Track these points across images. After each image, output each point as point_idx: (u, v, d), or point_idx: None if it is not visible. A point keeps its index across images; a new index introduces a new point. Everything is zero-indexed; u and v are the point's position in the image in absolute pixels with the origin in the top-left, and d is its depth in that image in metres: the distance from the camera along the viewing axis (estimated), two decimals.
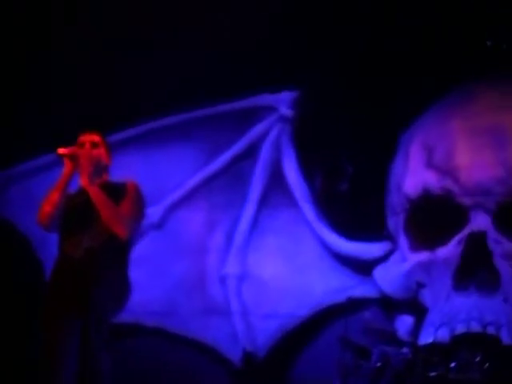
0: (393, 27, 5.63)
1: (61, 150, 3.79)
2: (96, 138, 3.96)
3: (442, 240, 5.38)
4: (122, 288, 3.85)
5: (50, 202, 3.76)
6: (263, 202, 5.90)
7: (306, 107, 5.87)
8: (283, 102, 5.89)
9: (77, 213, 3.79)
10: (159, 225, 5.88)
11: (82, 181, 3.80)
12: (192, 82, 5.75)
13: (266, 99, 5.92)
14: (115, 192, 3.84)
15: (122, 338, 5.59)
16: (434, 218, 5.45)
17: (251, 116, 5.95)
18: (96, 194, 3.73)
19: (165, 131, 5.95)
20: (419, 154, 5.59)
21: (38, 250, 5.83)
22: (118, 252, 3.81)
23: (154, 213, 5.79)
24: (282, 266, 5.76)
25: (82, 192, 3.85)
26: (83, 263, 3.67)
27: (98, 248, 3.71)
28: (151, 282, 5.74)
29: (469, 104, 5.54)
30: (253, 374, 5.71)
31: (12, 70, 5.81)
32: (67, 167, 3.80)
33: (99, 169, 3.88)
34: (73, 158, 3.78)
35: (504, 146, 5.26)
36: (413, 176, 5.55)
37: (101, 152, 3.92)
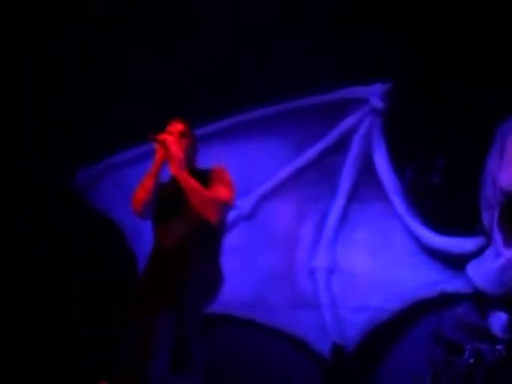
0: (493, 14, 5.49)
1: (152, 136, 3.84)
2: (183, 127, 4.00)
3: None
4: (214, 278, 3.88)
5: (143, 188, 3.82)
6: (353, 195, 5.87)
7: (397, 99, 5.79)
8: (374, 94, 5.83)
9: (168, 201, 3.85)
10: (249, 216, 5.91)
11: (171, 168, 3.85)
12: (282, 75, 5.76)
13: (356, 91, 5.87)
14: (204, 177, 3.88)
15: (212, 328, 5.67)
16: None
17: (342, 108, 5.91)
18: (185, 179, 3.77)
19: (254, 124, 5.97)
20: None
21: (131, 240, 5.94)
22: (209, 240, 3.85)
23: (244, 204, 5.83)
24: (372, 260, 5.71)
25: (173, 181, 3.90)
26: (175, 251, 3.71)
27: (190, 236, 3.75)
28: (241, 273, 5.79)
29: None
30: (342, 367, 5.68)
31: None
32: (159, 153, 3.85)
33: (187, 158, 3.92)
34: (164, 144, 3.83)
35: None
36: (509, 169, 5.42)
37: (188, 142, 3.96)
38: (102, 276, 5.90)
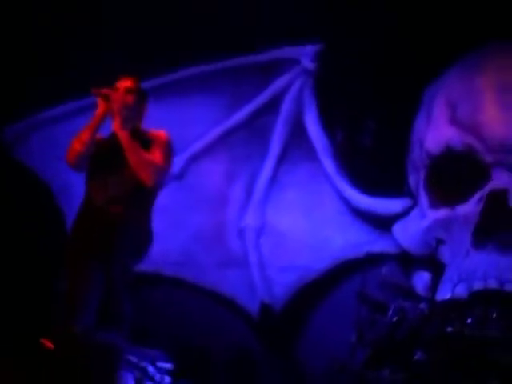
0: None
1: (95, 90, 3.79)
2: (131, 83, 3.94)
3: (463, 197, 5.36)
4: (144, 237, 3.87)
5: (80, 140, 3.77)
6: (284, 155, 5.89)
7: (328, 61, 5.81)
8: (306, 55, 5.83)
9: (105, 157, 3.80)
10: (180, 175, 5.89)
11: (113, 124, 3.81)
12: (215, 33, 5.72)
13: (288, 52, 5.86)
14: (145, 139, 3.84)
15: (142, 286, 5.67)
16: (455, 174, 5.42)
17: (273, 69, 5.91)
18: (126, 139, 3.74)
19: (186, 82, 5.92)
20: (442, 109, 5.54)
21: (59, 198, 5.87)
22: (142, 200, 3.83)
23: (175, 163, 5.78)
24: (301, 220, 5.77)
25: (113, 137, 3.86)
26: (108, 209, 3.69)
27: (123, 195, 3.72)
28: (171, 233, 5.78)
29: (494, 60, 5.47)
30: (270, 325, 5.76)
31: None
32: (100, 108, 3.80)
33: (131, 115, 3.87)
34: (106, 98, 3.78)
35: None
36: (435, 132, 5.51)
37: (135, 98, 3.90)
38: (32, 233, 5.82)
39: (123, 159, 3.74)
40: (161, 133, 3.92)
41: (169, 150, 3.89)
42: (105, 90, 3.80)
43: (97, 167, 3.81)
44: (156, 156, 3.78)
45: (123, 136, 3.75)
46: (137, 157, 3.71)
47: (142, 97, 4.00)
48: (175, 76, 5.89)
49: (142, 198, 3.78)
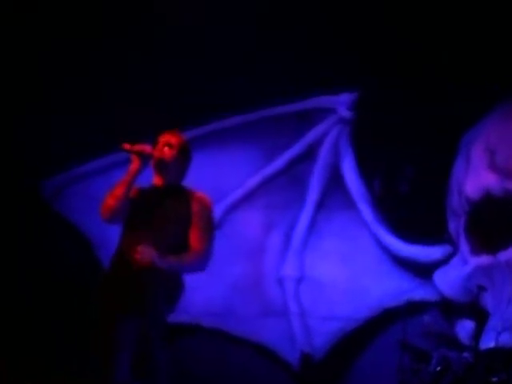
0: (456, 25, 5.54)
1: (126, 146, 3.80)
2: (171, 138, 3.93)
3: (504, 243, 5.31)
4: (176, 287, 3.84)
5: (113, 195, 3.77)
6: (321, 203, 5.89)
7: (365, 109, 5.83)
8: (342, 103, 5.86)
9: (142, 211, 3.80)
10: (218, 225, 5.88)
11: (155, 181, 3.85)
12: (254, 82, 5.77)
13: (324, 101, 5.90)
14: (184, 199, 3.83)
15: (182, 338, 5.66)
16: (495, 220, 5.37)
17: (310, 118, 5.94)
18: (166, 265, 3.70)
19: (225, 132, 5.98)
20: (481, 155, 5.51)
21: (99, 252, 5.89)
22: (175, 252, 3.81)
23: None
24: (340, 269, 5.74)
25: (153, 191, 3.86)
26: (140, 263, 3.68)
27: (156, 248, 3.71)
28: (210, 283, 5.76)
29: None
30: (311, 376, 5.69)
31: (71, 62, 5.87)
32: (134, 163, 3.81)
33: (171, 170, 3.86)
34: (140, 154, 3.78)
35: None
36: (474, 178, 5.48)
37: (174, 153, 3.88)
38: (69, 285, 5.85)
39: (159, 216, 3.74)
40: (202, 195, 3.90)
41: (211, 215, 3.89)
42: (137, 147, 3.81)
43: (133, 219, 3.81)
44: (199, 242, 3.77)
45: (161, 265, 3.70)
46: (181, 266, 3.75)
47: (184, 152, 3.96)
48: (215, 126, 5.94)
49: (175, 250, 3.75)
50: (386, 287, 5.62)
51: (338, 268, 5.73)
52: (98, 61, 5.85)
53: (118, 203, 3.76)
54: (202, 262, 3.81)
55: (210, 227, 3.87)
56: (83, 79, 5.87)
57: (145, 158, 3.78)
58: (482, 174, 5.45)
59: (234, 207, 5.94)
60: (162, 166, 3.86)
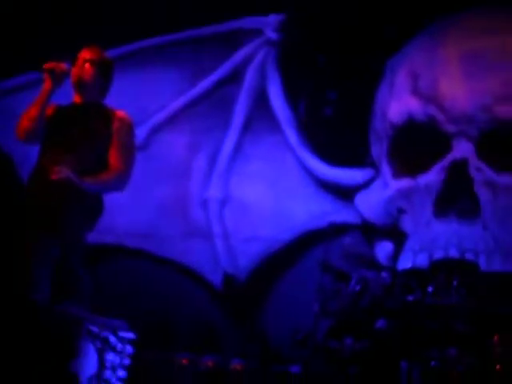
0: None
1: (45, 65, 3.70)
2: (91, 54, 3.82)
3: (425, 167, 5.41)
4: (95, 206, 3.80)
5: (28, 116, 3.69)
6: (247, 126, 5.88)
7: (292, 31, 5.79)
8: (269, 24, 5.82)
9: (64, 129, 3.72)
10: (142, 147, 5.85)
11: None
12: (176, 2, 5.66)
13: (251, 21, 5.84)
14: (107, 117, 3.75)
15: (106, 258, 5.66)
16: (417, 145, 5.46)
17: (236, 39, 5.88)
18: (75, 182, 3.61)
19: (148, 52, 5.88)
20: (405, 81, 5.56)
21: (20, 169, 5.80)
22: (93, 172, 3.74)
23: (137, 134, 5.74)
24: (265, 191, 5.78)
25: (75, 108, 3.77)
26: (57, 181, 3.62)
27: (77, 171, 3.65)
28: (134, 204, 5.75)
29: (455, 31, 5.51)
30: (233, 295, 5.77)
31: None
32: (47, 83, 3.71)
33: (91, 87, 3.77)
34: (52, 72, 3.69)
35: (488, 72, 5.25)
36: (398, 103, 5.54)
37: (94, 70, 3.78)
38: None
39: (76, 132, 3.67)
40: (122, 114, 3.82)
41: (131, 135, 3.80)
42: (49, 64, 3.70)
43: (53, 139, 3.74)
44: (118, 161, 3.70)
45: (70, 180, 3.62)
46: (99, 186, 3.67)
47: (105, 69, 3.87)
48: (135, 46, 5.84)
49: (94, 170, 3.70)
50: (309, 210, 5.69)
51: (262, 190, 5.77)
52: None
53: (33, 124, 3.68)
54: (121, 181, 3.75)
55: (131, 146, 3.80)
56: None
57: (58, 76, 3.68)
58: (405, 99, 5.51)
59: (158, 130, 5.90)
60: (81, 83, 3.77)
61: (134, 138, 3.86)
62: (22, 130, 3.71)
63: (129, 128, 3.79)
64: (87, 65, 3.78)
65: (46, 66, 3.68)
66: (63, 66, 3.71)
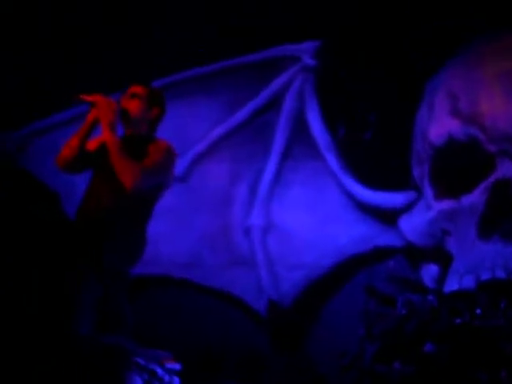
0: None
1: (82, 96, 3.77)
2: (136, 89, 3.88)
3: (468, 188, 5.35)
4: (136, 239, 3.83)
5: (68, 145, 3.77)
6: (287, 153, 5.90)
7: (329, 57, 5.81)
8: (306, 51, 5.84)
9: (108, 164, 3.77)
10: (183, 178, 5.90)
11: (102, 131, 3.77)
12: (213, 33, 5.73)
13: (288, 49, 5.88)
14: (144, 146, 3.79)
15: (151, 289, 5.70)
16: (459, 166, 5.42)
17: (274, 66, 5.92)
18: (110, 142, 3.67)
19: (187, 83, 5.94)
20: (444, 101, 5.54)
21: (66, 204, 5.86)
22: (135, 208, 3.77)
23: (178, 165, 5.79)
24: (306, 217, 5.78)
25: (123, 140, 3.82)
26: (99, 218, 3.67)
27: (115, 205, 3.68)
28: (177, 235, 5.80)
29: (493, 50, 5.46)
30: (278, 322, 5.76)
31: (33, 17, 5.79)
32: (91, 113, 3.78)
33: (136, 121, 3.82)
34: (94, 105, 3.75)
35: None
36: (438, 124, 5.50)
37: (139, 104, 3.83)
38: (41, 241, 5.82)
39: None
40: (162, 141, 3.87)
41: (164, 157, 3.82)
42: (91, 97, 3.77)
43: (98, 171, 3.81)
44: (145, 161, 3.71)
45: (108, 139, 3.69)
46: (120, 160, 3.65)
47: (152, 103, 3.92)
48: (175, 78, 5.90)
49: (135, 205, 3.72)
50: (351, 234, 5.67)
51: (304, 217, 5.77)
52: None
53: (72, 153, 3.76)
54: (138, 176, 3.64)
55: (164, 158, 3.78)
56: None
57: (103, 109, 3.74)
58: (445, 120, 5.48)
59: (199, 160, 5.94)
60: (125, 116, 3.84)
61: (169, 163, 3.83)
62: (60, 158, 3.80)
63: (166, 151, 3.79)
64: (134, 99, 3.85)
65: (88, 97, 3.75)
66: (105, 97, 3.77)
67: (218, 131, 5.92)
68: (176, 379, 3.60)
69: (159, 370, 3.55)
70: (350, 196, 5.75)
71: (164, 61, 5.76)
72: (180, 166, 5.86)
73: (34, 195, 5.90)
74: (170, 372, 3.59)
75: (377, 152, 5.70)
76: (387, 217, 5.62)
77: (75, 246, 3.68)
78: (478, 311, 4.92)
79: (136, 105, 3.85)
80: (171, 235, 5.82)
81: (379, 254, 5.53)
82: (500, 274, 5.04)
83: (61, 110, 5.95)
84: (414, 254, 5.51)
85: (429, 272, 5.40)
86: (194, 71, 5.91)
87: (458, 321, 4.93)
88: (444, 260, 5.35)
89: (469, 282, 5.11)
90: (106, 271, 3.62)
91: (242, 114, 5.91)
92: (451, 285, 5.19)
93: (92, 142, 3.87)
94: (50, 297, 3.58)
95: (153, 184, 3.74)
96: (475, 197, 5.31)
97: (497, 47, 5.44)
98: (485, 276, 5.07)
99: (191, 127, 5.89)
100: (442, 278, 5.29)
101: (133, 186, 3.62)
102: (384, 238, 5.59)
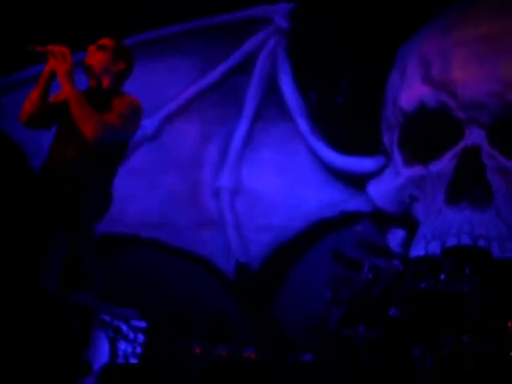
0: None
1: (34, 47, 3.65)
2: (104, 41, 3.80)
3: (436, 155, 5.38)
4: (103, 196, 3.79)
5: (29, 100, 3.69)
6: (258, 115, 5.88)
7: (302, 19, 5.78)
8: (280, 13, 5.80)
9: (70, 118, 3.72)
10: (154, 136, 5.87)
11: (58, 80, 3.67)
12: None
13: (262, 10, 5.83)
14: (108, 99, 3.74)
15: (118, 247, 5.68)
16: (428, 132, 5.44)
17: (246, 28, 5.87)
18: (68, 91, 3.60)
19: (158, 42, 5.87)
20: (416, 68, 5.54)
21: (33, 160, 5.81)
22: (102, 163, 3.73)
23: (148, 125, 5.77)
24: (276, 180, 5.78)
25: (87, 94, 3.75)
26: (64, 175, 3.63)
27: (81, 161, 3.63)
28: (146, 194, 5.77)
29: (467, 17, 5.47)
30: (246, 284, 5.79)
31: None
32: (47, 65, 3.69)
33: (99, 72, 3.75)
34: (53, 55, 3.65)
35: (501, 58, 5.21)
36: (409, 90, 5.51)
37: (105, 56, 3.76)
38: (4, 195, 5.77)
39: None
40: (127, 95, 3.80)
41: (128, 109, 3.74)
42: (45, 48, 3.67)
43: (60, 128, 3.75)
44: (108, 115, 3.65)
45: (66, 89, 3.60)
46: (80, 110, 3.56)
47: (117, 55, 3.84)
48: (146, 37, 5.83)
49: (102, 161, 3.68)
50: (320, 198, 5.68)
51: (273, 179, 5.77)
52: None
53: (32, 107, 3.67)
54: (100, 126, 3.55)
55: (128, 111, 3.71)
56: None
57: (59, 59, 3.63)
58: (417, 86, 5.48)
59: (170, 119, 5.90)
60: (90, 68, 3.76)
61: (133, 116, 3.75)
62: (23, 113, 3.72)
63: (130, 104, 3.71)
64: (100, 50, 3.78)
65: (40, 48, 3.64)
66: (62, 47, 3.67)
67: (190, 91, 5.88)
68: (141, 336, 3.61)
69: (124, 327, 3.55)
70: (319, 160, 5.76)
71: (138, 18, 5.67)
72: (150, 125, 5.82)
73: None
74: (135, 329, 3.60)
75: (347, 117, 5.69)
76: (356, 182, 5.65)
77: (41, 201, 3.64)
78: (443, 276, 4.96)
79: (101, 56, 3.74)
80: (140, 195, 5.79)
81: (347, 218, 5.55)
82: (466, 240, 5.09)
83: (26, 67, 5.87)
84: (381, 220, 5.54)
85: (395, 237, 5.44)
86: (166, 30, 5.85)
87: (422, 285, 4.98)
88: (411, 226, 5.38)
89: (434, 247, 5.16)
90: (73, 227, 3.59)
91: (213, 75, 5.86)
92: (417, 250, 5.24)
93: (55, 96, 3.80)
94: (17, 255, 3.55)
95: (116, 138, 3.67)
96: (443, 164, 5.34)
97: (471, 14, 5.44)
98: (451, 242, 5.12)
99: (163, 86, 5.83)
100: (408, 244, 5.33)
101: (94, 137, 3.55)
102: (352, 202, 5.62)
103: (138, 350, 3.53)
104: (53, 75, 3.63)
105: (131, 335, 3.54)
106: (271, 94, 5.84)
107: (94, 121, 3.52)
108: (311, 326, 5.16)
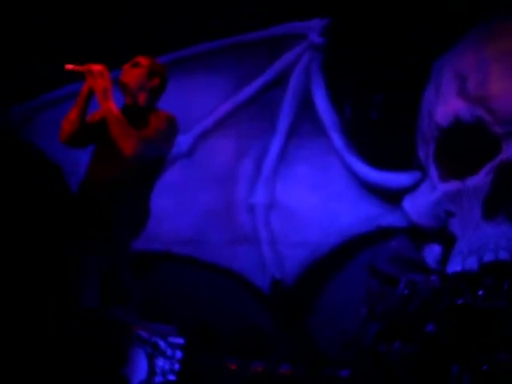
0: None
1: (72, 66, 3.69)
2: (139, 59, 3.84)
3: (473, 169, 5.34)
4: (140, 213, 3.81)
5: (67, 119, 3.73)
6: (292, 130, 5.89)
7: (336, 35, 5.78)
8: (314, 29, 5.81)
9: (109, 136, 3.74)
10: (189, 153, 5.90)
11: (97, 99, 3.70)
12: (221, 10, 5.70)
13: (296, 26, 5.85)
14: (145, 116, 3.76)
15: (154, 265, 5.71)
16: (464, 147, 5.40)
17: (281, 44, 5.89)
18: (108, 110, 3.62)
19: (194, 60, 5.92)
20: (452, 82, 5.51)
21: (70, 178, 5.87)
22: (139, 181, 3.75)
23: (183, 141, 5.81)
24: (310, 195, 5.77)
25: (124, 111, 3.78)
26: (102, 192, 3.65)
27: (119, 179, 3.65)
28: (180, 211, 5.80)
29: (502, 31, 5.43)
30: (281, 300, 5.78)
31: None
32: (86, 84, 3.72)
33: (134, 90, 3.78)
34: (91, 74, 3.68)
35: None
36: (444, 105, 5.48)
37: (140, 73, 3.79)
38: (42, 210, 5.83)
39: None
40: (163, 111, 3.82)
41: (165, 126, 3.76)
42: (82, 67, 3.70)
43: (98, 147, 3.77)
44: (146, 129, 3.66)
45: (105, 108, 3.62)
46: (119, 127, 3.58)
47: (152, 72, 3.86)
48: (181, 54, 5.88)
49: (139, 178, 3.70)
50: (355, 213, 5.67)
51: (307, 195, 5.77)
52: None
53: (72, 127, 3.71)
54: (138, 142, 3.58)
55: (165, 127, 3.72)
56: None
57: (97, 77, 3.66)
58: (452, 101, 5.46)
59: (205, 136, 5.94)
60: (125, 86, 3.79)
61: (170, 132, 3.76)
62: (63, 133, 3.76)
63: (167, 121, 3.73)
64: (135, 67, 3.81)
65: (78, 67, 3.67)
66: (99, 66, 3.70)
67: (225, 107, 5.91)
68: (179, 353, 3.61)
69: (162, 344, 3.55)
70: (354, 175, 5.74)
71: (171, 36, 5.73)
72: (185, 142, 5.86)
73: (37, 169, 5.92)
74: (173, 346, 3.60)
75: (382, 132, 5.68)
76: (391, 197, 5.62)
77: (79, 219, 3.67)
78: (481, 292, 4.92)
79: (137, 73, 3.79)
80: (175, 211, 5.82)
81: (383, 233, 5.52)
82: (503, 255, 5.04)
83: (67, 84, 5.93)
84: (417, 235, 5.50)
85: (432, 253, 5.40)
86: (201, 47, 5.89)
87: (460, 302, 4.93)
88: (447, 241, 5.34)
89: (472, 263, 5.12)
90: (110, 245, 3.61)
91: (248, 90, 5.89)
92: (454, 266, 5.19)
93: (93, 114, 3.83)
94: (55, 271, 3.58)
95: (154, 154, 3.69)
96: (480, 178, 5.30)
97: (507, 28, 5.41)
98: (488, 257, 5.07)
99: (197, 103, 5.87)
100: (445, 259, 5.29)
101: (133, 154, 3.57)
102: (388, 218, 5.59)
103: (176, 366, 3.53)
104: (91, 94, 3.67)
105: (169, 352, 3.54)
106: (306, 109, 5.85)
107: (133, 137, 3.55)
108: (347, 341, 5.14)
